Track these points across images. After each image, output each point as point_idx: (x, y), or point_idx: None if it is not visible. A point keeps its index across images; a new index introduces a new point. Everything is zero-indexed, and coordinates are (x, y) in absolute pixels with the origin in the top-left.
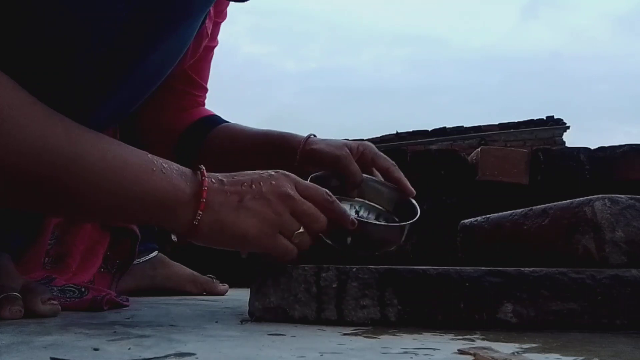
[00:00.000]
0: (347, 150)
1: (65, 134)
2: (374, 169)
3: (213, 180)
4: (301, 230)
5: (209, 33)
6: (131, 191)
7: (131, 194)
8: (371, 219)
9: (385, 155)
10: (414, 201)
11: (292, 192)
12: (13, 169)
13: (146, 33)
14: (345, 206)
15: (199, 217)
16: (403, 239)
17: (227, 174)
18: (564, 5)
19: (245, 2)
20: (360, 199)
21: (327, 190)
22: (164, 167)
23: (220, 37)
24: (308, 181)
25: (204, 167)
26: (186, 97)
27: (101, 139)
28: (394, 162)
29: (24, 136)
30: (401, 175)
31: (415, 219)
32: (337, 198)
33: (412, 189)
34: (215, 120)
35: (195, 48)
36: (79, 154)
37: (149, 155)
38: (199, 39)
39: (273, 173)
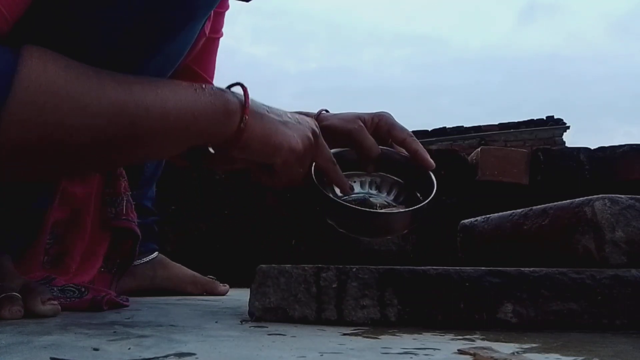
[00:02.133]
0: (360, 124)
1: (118, 85)
2: (391, 141)
3: (254, 99)
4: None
5: (207, 31)
6: (187, 115)
7: (187, 119)
8: (383, 196)
9: (402, 125)
10: (432, 174)
11: (318, 129)
12: (88, 134)
13: (149, 35)
14: (356, 184)
15: (244, 122)
16: (413, 222)
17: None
18: (559, 9)
19: (248, 2)
20: (377, 174)
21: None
22: (202, 87)
23: (220, 37)
24: None
25: (243, 84)
26: None
27: (141, 79)
28: (411, 133)
29: (88, 101)
30: (419, 147)
31: (423, 204)
32: (352, 174)
33: (431, 161)
34: None
35: (192, 46)
36: (137, 98)
37: (183, 83)
38: (196, 38)
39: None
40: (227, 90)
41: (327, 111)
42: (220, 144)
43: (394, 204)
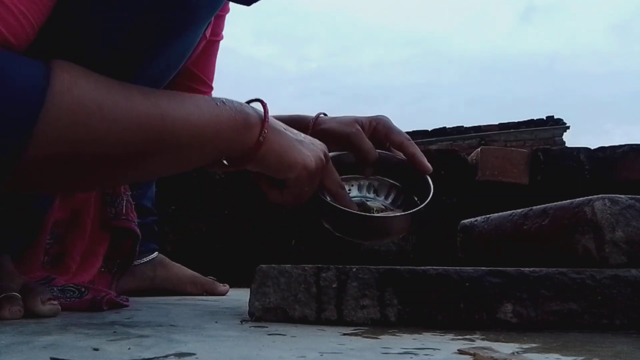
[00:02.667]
0: (358, 127)
1: (144, 98)
2: (388, 144)
3: (273, 118)
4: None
5: (207, 35)
6: (210, 130)
7: (210, 133)
8: (380, 199)
9: (399, 129)
10: (428, 178)
11: (327, 152)
12: (116, 146)
13: (150, 37)
14: (354, 188)
15: (263, 135)
16: (410, 226)
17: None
18: (558, 11)
19: (249, 6)
20: (375, 177)
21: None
22: (223, 101)
23: (220, 40)
24: None
25: (263, 100)
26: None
27: (166, 93)
28: (408, 137)
29: (117, 114)
30: (416, 151)
31: (420, 207)
32: (349, 177)
33: (428, 165)
34: None
35: (193, 49)
36: (163, 112)
37: (205, 97)
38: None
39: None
40: (247, 104)
41: (325, 114)
42: (238, 156)
43: (392, 208)
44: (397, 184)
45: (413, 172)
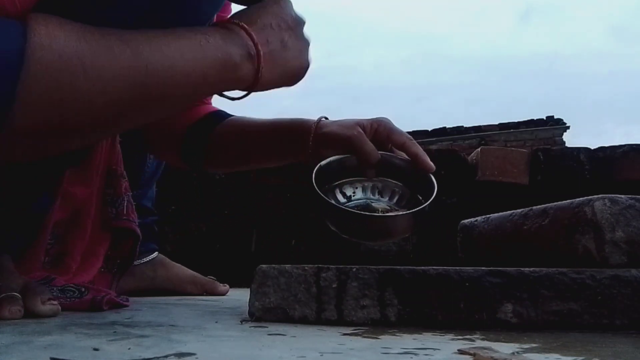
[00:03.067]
0: (360, 130)
1: (125, 47)
2: (390, 145)
3: (245, 25)
4: None
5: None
6: (196, 73)
7: (197, 75)
8: (384, 200)
9: (401, 130)
10: (432, 177)
11: (297, 15)
12: (104, 100)
13: None
14: (358, 190)
15: (262, 68)
16: (414, 225)
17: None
18: (557, 12)
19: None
20: (378, 178)
21: None
22: (207, 39)
23: None
24: (326, 164)
25: (243, 24)
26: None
27: (147, 37)
28: (410, 137)
29: (103, 71)
30: (418, 150)
31: (424, 206)
32: (353, 180)
33: (431, 164)
34: (221, 115)
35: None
36: (145, 61)
37: (187, 34)
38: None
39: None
40: (233, 37)
41: (326, 118)
42: (242, 87)
43: (396, 208)
44: (401, 184)
45: (416, 172)
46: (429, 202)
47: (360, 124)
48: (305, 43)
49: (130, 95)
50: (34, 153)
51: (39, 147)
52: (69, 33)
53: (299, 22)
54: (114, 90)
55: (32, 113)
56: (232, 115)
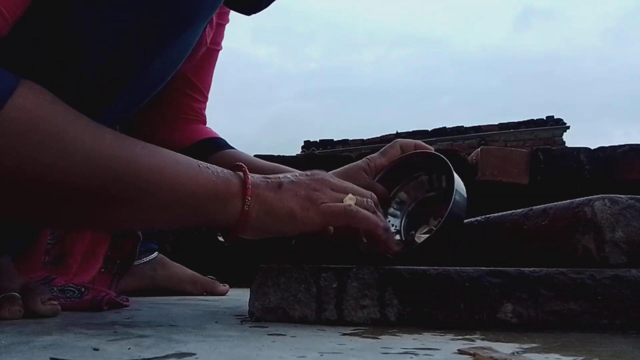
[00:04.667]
0: (365, 175)
1: (116, 141)
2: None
3: (254, 175)
4: (350, 196)
5: (208, 41)
6: (185, 188)
7: (185, 191)
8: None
9: (392, 143)
10: (449, 165)
11: (328, 177)
12: (70, 180)
13: (151, 39)
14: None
15: (247, 203)
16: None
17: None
18: (554, 15)
19: (249, 16)
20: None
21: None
22: (207, 165)
23: (219, 50)
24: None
25: (243, 165)
26: (185, 100)
27: (146, 144)
28: (418, 141)
29: (79, 147)
30: (417, 142)
31: (432, 235)
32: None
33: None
34: (218, 143)
35: (192, 54)
36: (133, 157)
37: (188, 157)
38: (197, 46)
39: (307, 172)
40: (234, 173)
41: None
42: (228, 226)
43: (433, 227)
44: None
45: (429, 160)
46: (440, 224)
47: (363, 167)
48: (309, 191)
49: (103, 182)
50: None
51: None
52: (57, 109)
53: (322, 180)
54: (86, 170)
55: None
56: (230, 147)
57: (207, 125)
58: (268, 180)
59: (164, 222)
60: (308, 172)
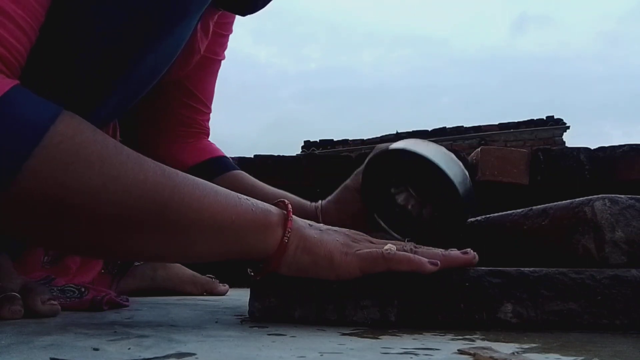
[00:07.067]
0: (359, 197)
1: (158, 168)
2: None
3: (295, 216)
4: (390, 245)
5: (202, 49)
6: (224, 216)
7: (224, 219)
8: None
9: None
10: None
11: (367, 235)
12: (117, 206)
13: (143, 33)
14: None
15: (287, 235)
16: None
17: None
18: (551, 20)
19: (244, 17)
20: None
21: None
22: (245, 197)
23: (222, 60)
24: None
25: (286, 200)
26: (186, 112)
27: (183, 173)
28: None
29: (126, 172)
30: None
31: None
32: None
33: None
34: (225, 164)
35: (185, 60)
36: (175, 184)
37: (225, 188)
38: (190, 52)
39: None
40: (273, 206)
41: (321, 197)
42: (264, 259)
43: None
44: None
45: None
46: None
47: (355, 188)
48: (350, 239)
49: (145, 212)
50: (28, 232)
51: (33, 231)
52: (97, 137)
53: (361, 235)
54: (127, 198)
55: (28, 186)
56: (235, 167)
57: (209, 126)
58: (310, 222)
59: (199, 252)
60: (347, 230)
